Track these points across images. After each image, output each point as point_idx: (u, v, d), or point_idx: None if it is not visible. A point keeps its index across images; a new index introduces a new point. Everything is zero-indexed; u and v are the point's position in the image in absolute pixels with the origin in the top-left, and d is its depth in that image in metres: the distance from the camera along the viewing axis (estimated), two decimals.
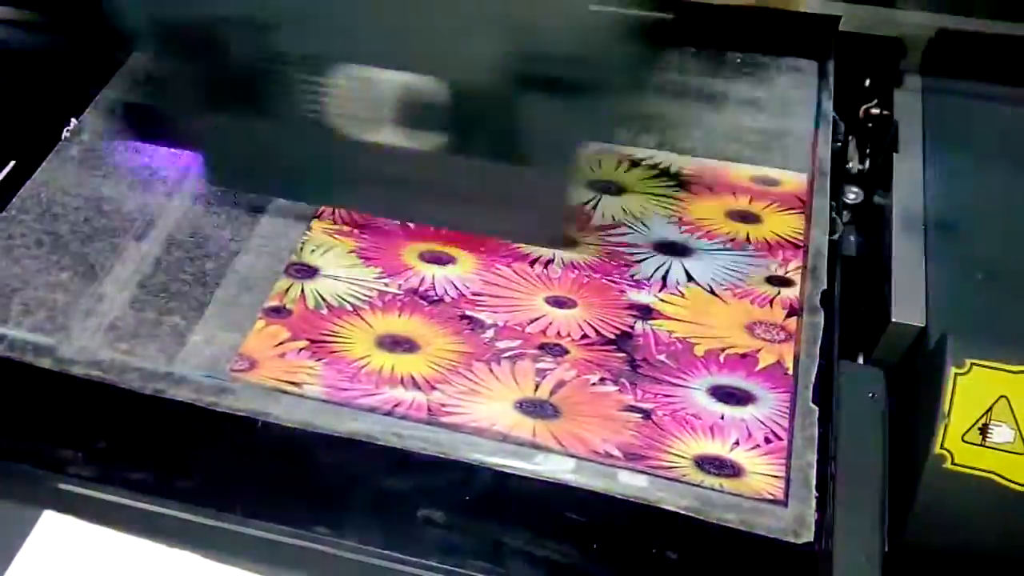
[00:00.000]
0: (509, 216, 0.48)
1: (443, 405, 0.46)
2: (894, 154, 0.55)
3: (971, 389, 0.40)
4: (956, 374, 0.40)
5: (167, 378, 0.47)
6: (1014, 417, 0.39)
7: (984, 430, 0.39)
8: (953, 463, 0.40)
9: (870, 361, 0.48)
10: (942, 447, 0.40)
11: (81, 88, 0.61)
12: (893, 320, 0.47)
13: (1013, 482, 0.39)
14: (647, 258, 0.53)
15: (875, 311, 0.49)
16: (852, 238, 0.56)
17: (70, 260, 0.52)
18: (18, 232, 0.53)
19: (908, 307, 0.47)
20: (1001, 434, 0.39)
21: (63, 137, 0.58)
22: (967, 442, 0.40)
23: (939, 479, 0.40)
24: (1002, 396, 0.40)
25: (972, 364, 0.40)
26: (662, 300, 0.51)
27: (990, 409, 0.40)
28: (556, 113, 0.43)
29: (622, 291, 0.51)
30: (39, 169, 0.57)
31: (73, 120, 0.59)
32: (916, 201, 0.53)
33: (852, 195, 0.58)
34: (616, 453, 0.44)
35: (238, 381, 0.47)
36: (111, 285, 0.51)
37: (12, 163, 0.57)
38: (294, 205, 0.55)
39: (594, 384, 0.47)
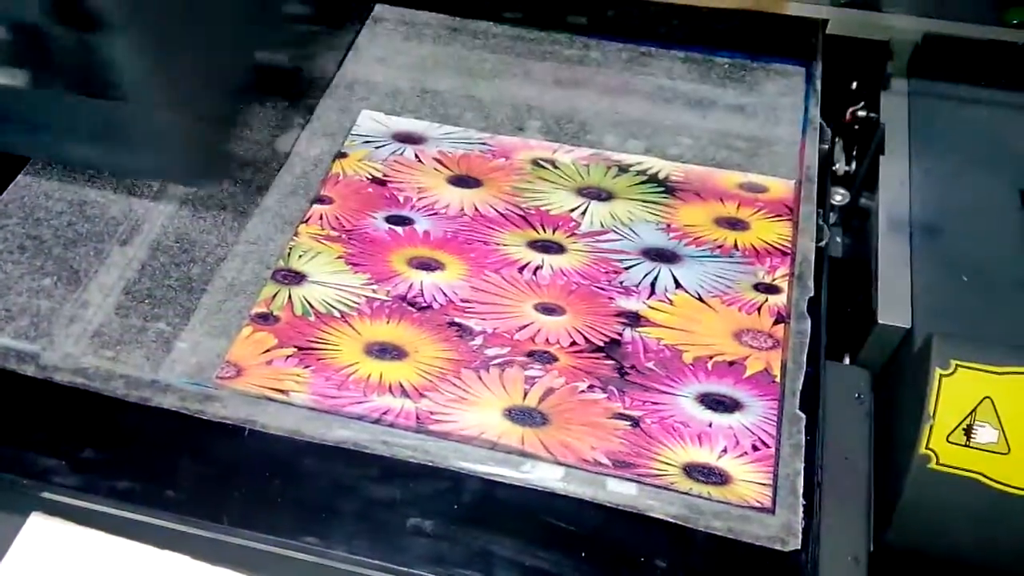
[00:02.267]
0: (124, 152, 0.50)
1: (431, 413, 0.46)
2: (880, 156, 0.56)
3: (956, 390, 0.41)
4: (941, 375, 0.41)
5: (153, 386, 0.47)
6: (998, 418, 0.40)
7: (968, 431, 0.40)
8: (938, 463, 0.41)
9: (856, 362, 0.49)
10: (927, 447, 0.41)
11: None
12: (879, 322, 0.48)
13: (997, 482, 0.40)
14: (635, 265, 0.53)
15: (861, 313, 0.49)
16: (838, 239, 0.57)
17: (54, 265, 0.52)
18: (0, 237, 0.53)
19: (894, 309, 0.48)
20: (985, 434, 0.40)
21: None
22: (952, 442, 0.40)
23: (924, 479, 0.41)
24: (986, 397, 0.40)
25: (957, 365, 0.41)
26: (651, 307, 0.51)
27: (974, 410, 0.40)
28: (110, 47, 0.44)
29: (611, 298, 0.52)
30: (21, 172, 0.57)
31: None
32: (902, 203, 0.53)
33: (839, 196, 0.59)
34: (605, 461, 0.45)
35: (224, 389, 0.47)
36: (96, 291, 0.51)
37: None
38: (279, 211, 0.56)
39: (583, 391, 0.47)
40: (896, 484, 0.42)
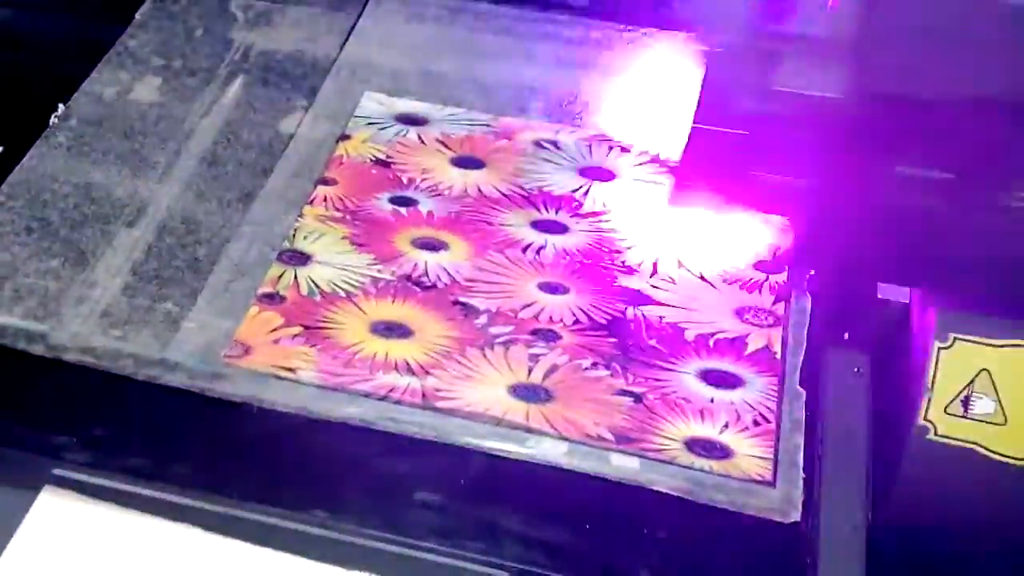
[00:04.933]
0: None
1: (437, 390, 0.47)
2: None
3: (954, 363, 0.42)
4: (940, 348, 0.42)
5: (161, 364, 0.48)
6: (995, 389, 0.41)
7: (966, 402, 0.41)
8: (936, 434, 0.42)
9: (856, 337, 0.50)
10: (926, 418, 0.42)
11: (68, 73, 0.61)
12: (879, 297, 0.49)
13: (994, 452, 0.41)
14: (637, 244, 0.54)
15: (861, 290, 0.50)
16: None
17: (61, 247, 0.53)
18: (7, 219, 0.54)
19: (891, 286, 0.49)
20: (983, 406, 0.41)
21: (50, 123, 0.59)
22: (950, 414, 0.42)
23: (922, 450, 0.42)
24: (984, 369, 0.42)
25: (955, 338, 0.42)
26: (653, 286, 0.52)
27: (972, 381, 0.42)
28: None
29: (613, 277, 0.53)
30: (27, 156, 0.57)
31: (60, 106, 0.59)
32: None
33: None
34: (608, 436, 0.46)
35: (233, 367, 0.48)
36: (103, 271, 0.52)
37: None
38: (284, 192, 0.56)
39: (586, 368, 0.48)
40: (895, 455, 0.43)
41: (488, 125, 0.60)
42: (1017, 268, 0.47)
